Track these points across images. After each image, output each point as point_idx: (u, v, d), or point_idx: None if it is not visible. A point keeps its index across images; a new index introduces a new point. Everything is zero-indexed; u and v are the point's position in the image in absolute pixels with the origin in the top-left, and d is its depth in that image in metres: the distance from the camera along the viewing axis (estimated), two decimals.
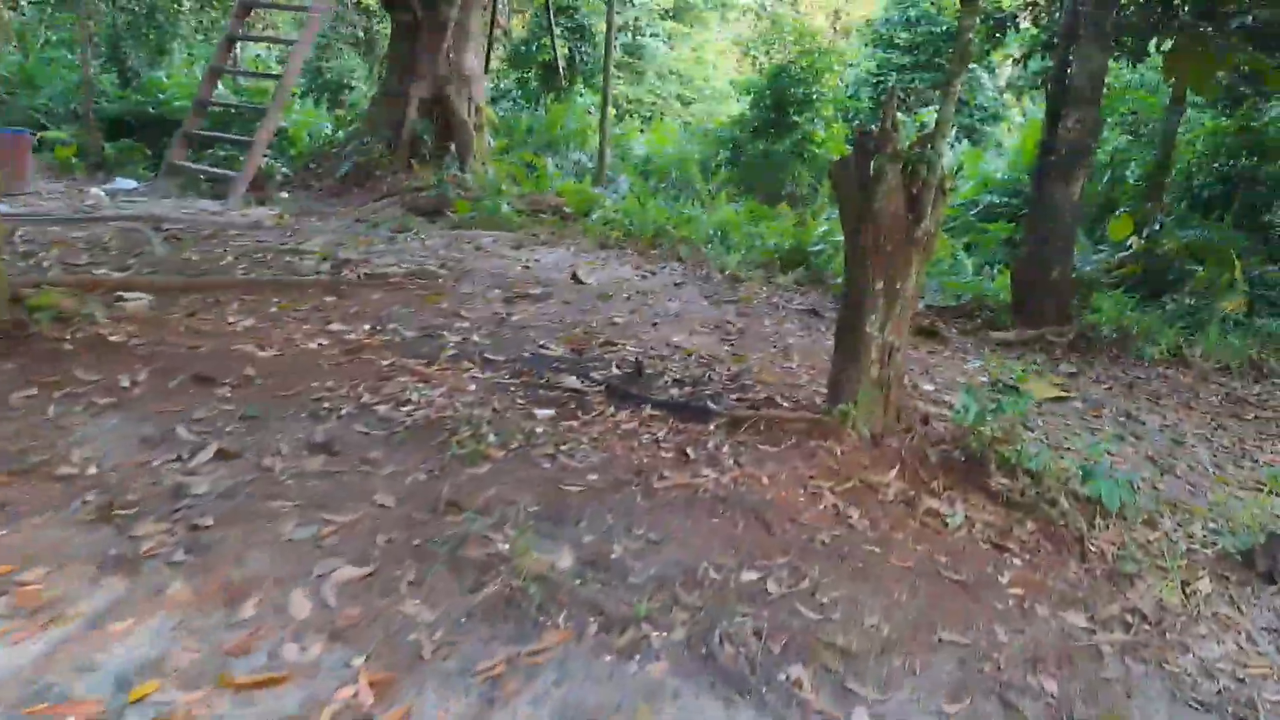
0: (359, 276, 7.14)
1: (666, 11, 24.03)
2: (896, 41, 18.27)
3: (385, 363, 5.06)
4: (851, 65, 18.27)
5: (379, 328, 5.76)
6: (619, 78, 23.24)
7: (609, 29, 12.84)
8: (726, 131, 13.58)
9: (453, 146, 11.46)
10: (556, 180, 11.77)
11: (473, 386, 4.81)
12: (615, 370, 5.34)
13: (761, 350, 6.21)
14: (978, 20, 12.06)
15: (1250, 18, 8.90)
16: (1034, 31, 11.07)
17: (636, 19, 23.76)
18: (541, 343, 5.78)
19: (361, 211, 10.35)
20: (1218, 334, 7.46)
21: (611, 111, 20.78)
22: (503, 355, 5.40)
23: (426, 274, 7.37)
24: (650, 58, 23.56)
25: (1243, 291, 8.30)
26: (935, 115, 14.19)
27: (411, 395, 4.61)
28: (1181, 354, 6.77)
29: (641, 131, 15.04)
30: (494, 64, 15.43)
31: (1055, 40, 8.80)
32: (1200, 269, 8.80)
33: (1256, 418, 5.72)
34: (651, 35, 23.73)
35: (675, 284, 8.26)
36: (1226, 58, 8.37)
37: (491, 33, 13.89)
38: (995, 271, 9.58)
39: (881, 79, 17.76)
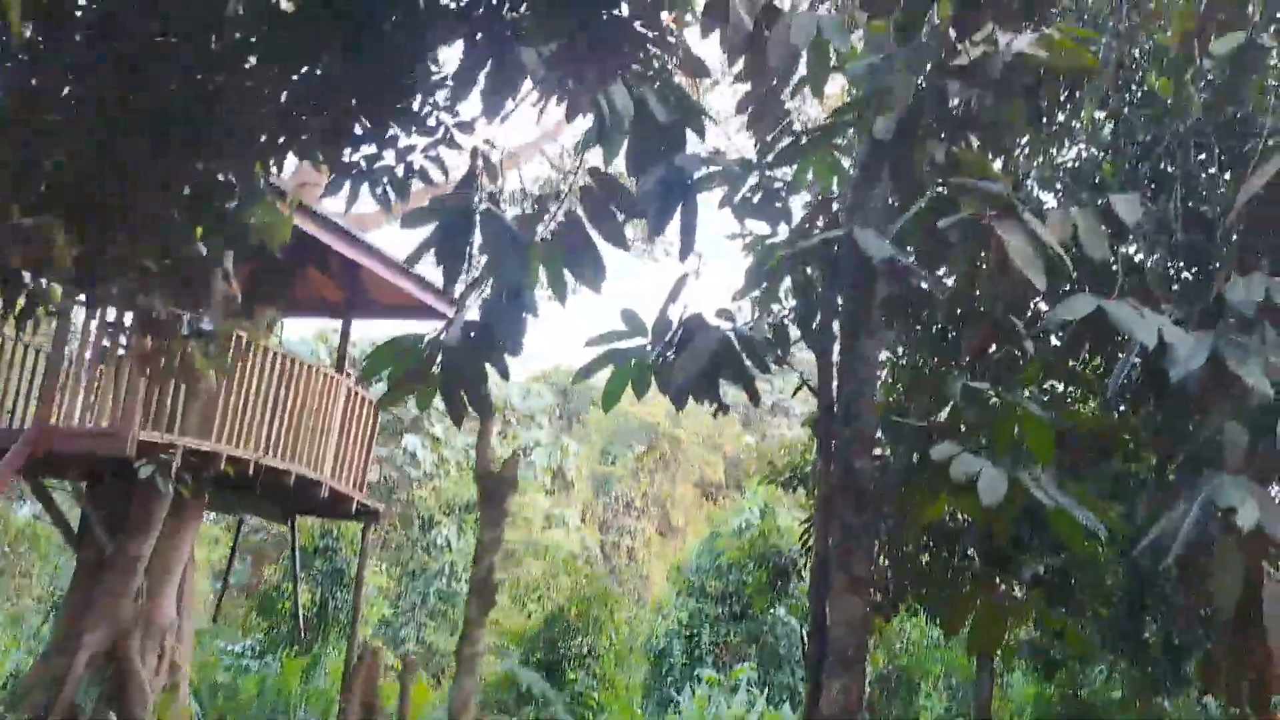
0: None
1: None
2: (708, 589, 17.15)
3: None
4: (662, 615, 16.96)
5: None
6: (429, 625, 21.34)
7: (359, 579, 11.22)
8: (492, 693, 11.57)
9: (113, 716, 9.01)
10: None
11: None
12: None
13: None
14: (760, 567, 11.16)
15: (1042, 568, 7.85)
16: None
17: (452, 563, 22.50)
18: None
19: None
20: None
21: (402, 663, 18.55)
22: None
23: None
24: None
25: None
26: (745, 673, 12.01)
27: None
28: None
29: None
30: (239, 613, 13.49)
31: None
32: None
33: None
34: (468, 582, 22.33)
35: None
36: (1021, 612, 7.14)
37: (228, 574, 12.11)
38: None
39: (693, 630, 16.31)
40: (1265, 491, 4.09)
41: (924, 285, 5.29)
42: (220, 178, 3.70)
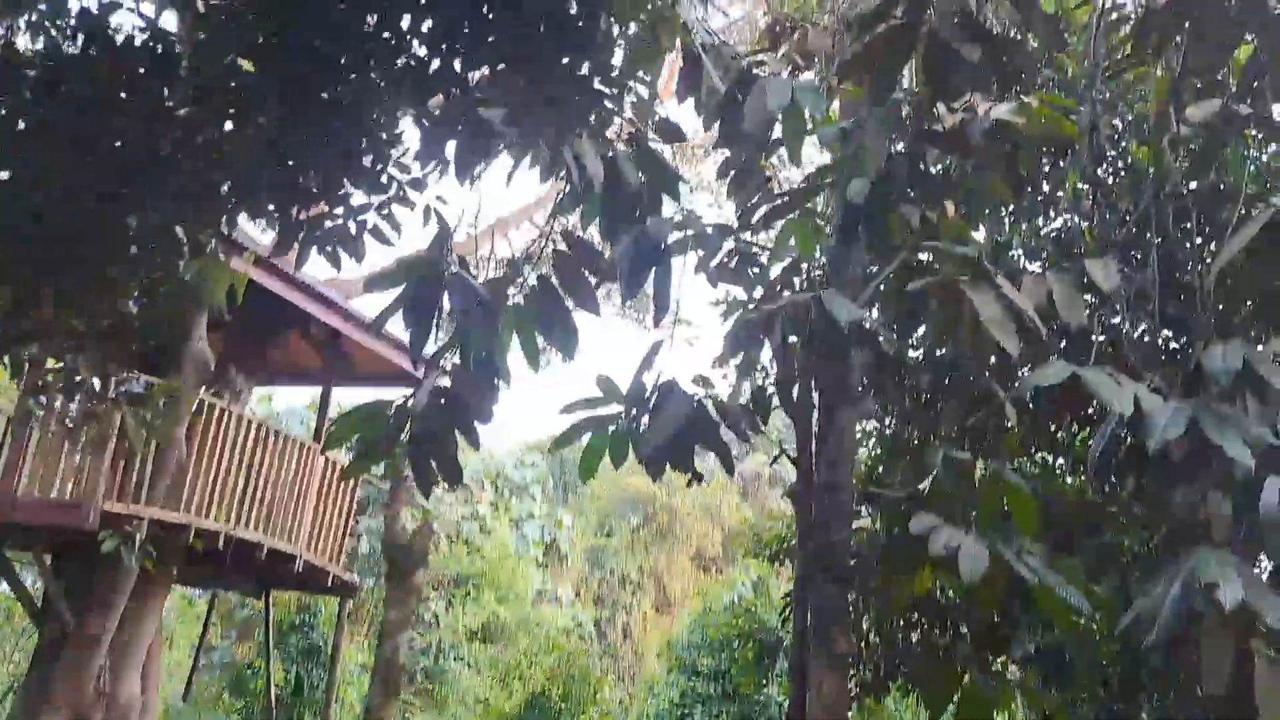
0: None
1: (474, 632, 22.36)
2: (700, 668, 16.70)
3: None
4: (653, 693, 16.48)
5: None
6: (414, 704, 20.75)
7: (334, 656, 10.90)
8: None
9: None
10: None
11: None
12: None
13: None
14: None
15: (1034, 647, 7.58)
16: None
17: (440, 639, 22.00)
18: None
19: None
20: None
21: None
22: None
23: None
24: (453, 683, 21.32)
25: None
26: None
27: None
28: None
29: None
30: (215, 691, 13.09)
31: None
32: None
33: None
34: (456, 659, 21.75)
35: None
36: (1007, 693, 6.86)
37: (199, 651, 11.78)
38: None
39: (685, 711, 15.83)
40: (1249, 568, 3.91)
41: (891, 350, 5.18)
42: (170, 235, 3.60)
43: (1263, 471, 4.00)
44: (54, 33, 3.67)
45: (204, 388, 9.33)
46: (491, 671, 17.67)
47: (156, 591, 9.54)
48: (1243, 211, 4.84)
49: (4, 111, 3.65)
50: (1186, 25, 4.96)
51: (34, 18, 3.80)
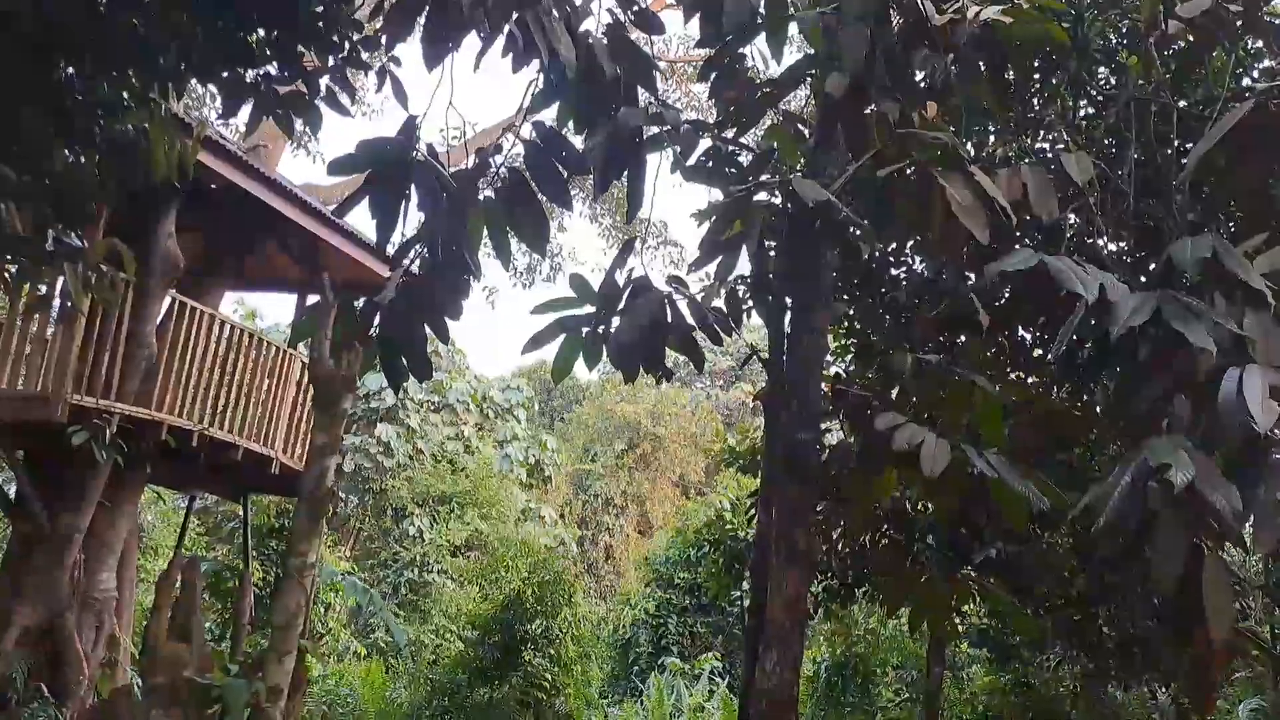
0: None
1: (457, 548, 22.56)
2: (676, 581, 16.96)
3: None
4: (630, 605, 16.77)
5: None
6: (400, 616, 20.95)
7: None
8: (446, 675, 11.33)
9: (45, 690, 8.73)
10: None
11: None
12: None
13: None
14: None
15: (995, 551, 7.67)
16: None
17: (424, 554, 22.24)
18: None
19: None
20: None
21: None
22: None
23: None
24: (436, 595, 21.59)
25: None
26: (709, 663, 11.85)
27: None
28: None
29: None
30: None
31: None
32: None
33: None
34: (439, 573, 21.99)
35: None
36: (963, 591, 6.94)
37: (177, 551, 11.79)
38: None
39: (660, 620, 16.11)
40: (1206, 457, 3.90)
41: (865, 243, 5.13)
42: (109, 92, 3.48)
43: (1224, 365, 3.99)
44: None
45: (176, 287, 9.23)
46: (471, 583, 17.87)
47: (131, 489, 9.53)
48: (1223, 106, 4.75)
49: None
50: None
51: None
